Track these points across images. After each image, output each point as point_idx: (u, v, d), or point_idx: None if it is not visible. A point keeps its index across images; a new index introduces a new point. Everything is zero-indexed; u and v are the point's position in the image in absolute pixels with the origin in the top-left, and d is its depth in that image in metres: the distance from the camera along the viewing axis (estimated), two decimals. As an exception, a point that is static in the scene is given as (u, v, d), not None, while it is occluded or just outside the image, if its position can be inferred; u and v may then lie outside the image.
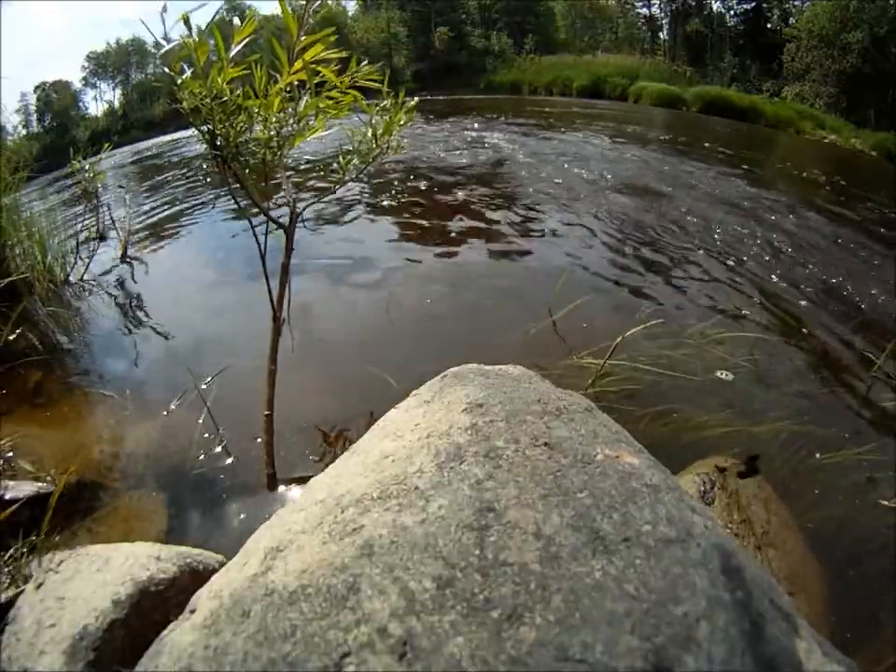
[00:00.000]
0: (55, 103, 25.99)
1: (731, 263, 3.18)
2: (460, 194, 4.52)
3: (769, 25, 19.26)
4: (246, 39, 1.05)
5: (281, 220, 1.37)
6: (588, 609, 0.55)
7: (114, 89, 27.08)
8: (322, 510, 0.73)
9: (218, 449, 1.62)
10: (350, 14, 26.04)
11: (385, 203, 4.40)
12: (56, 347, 2.32)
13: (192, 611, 0.67)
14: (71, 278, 3.07)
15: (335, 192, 2.11)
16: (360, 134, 1.39)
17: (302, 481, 1.47)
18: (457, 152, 6.44)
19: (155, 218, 4.64)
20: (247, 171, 1.28)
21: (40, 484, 1.30)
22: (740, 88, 16.86)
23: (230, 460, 1.58)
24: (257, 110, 1.17)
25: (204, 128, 1.16)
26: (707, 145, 7.94)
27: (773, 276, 3.04)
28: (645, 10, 23.36)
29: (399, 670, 0.52)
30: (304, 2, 1.05)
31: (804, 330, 2.42)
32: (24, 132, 24.99)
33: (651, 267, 3.07)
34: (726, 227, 3.89)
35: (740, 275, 3.01)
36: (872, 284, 3.06)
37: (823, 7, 14.80)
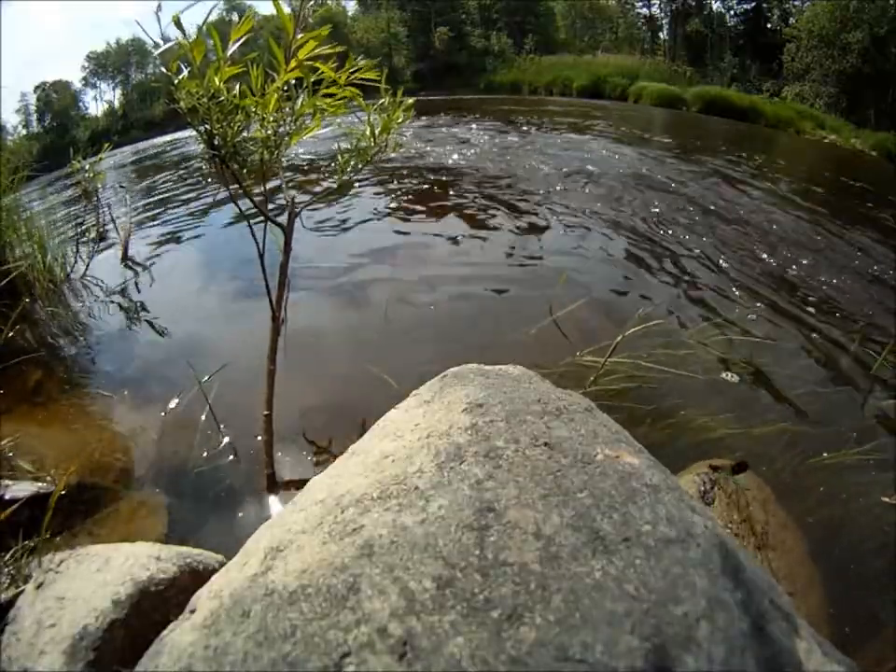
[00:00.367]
0: (55, 103, 26.00)
1: (731, 263, 3.18)
2: (461, 193, 4.52)
3: (769, 25, 19.27)
4: (243, 38, 1.05)
5: (279, 219, 1.37)
6: (588, 608, 0.55)
7: (114, 89, 27.11)
8: (322, 510, 0.73)
9: (218, 448, 1.62)
10: (350, 14, 26.06)
11: (384, 202, 4.40)
12: (56, 347, 2.32)
13: (192, 611, 0.67)
14: (71, 278, 3.07)
15: (335, 191, 2.12)
16: (359, 133, 1.39)
17: (302, 481, 1.47)
18: (456, 151, 6.45)
19: (155, 218, 4.65)
20: (245, 170, 1.28)
21: (40, 484, 1.30)
22: (740, 88, 16.86)
23: (230, 460, 1.58)
24: (254, 109, 1.17)
25: (202, 127, 1.16)
26: (707, 145, 7.94)
27: (773, 276, 3.04)
28: (645, 10, 23.38)
29: (398, 670, 0.51)
30: (300, 1, 1.04)
31: (804, 330, 2.42)
32: (24, 132, 25.04)
33: (651, 266, 3.06)
34: (726, 227, 3.89)
35: (740, 275, 3.01)
36: (872, 283, 3.06)
37: (823, 6, 14.80)
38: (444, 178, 5.15)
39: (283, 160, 1.32)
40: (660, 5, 22.60)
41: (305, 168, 5.94)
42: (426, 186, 4.89)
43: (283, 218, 1.39)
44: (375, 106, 1.35)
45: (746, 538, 1.28)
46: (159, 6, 1.01)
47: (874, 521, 1.43)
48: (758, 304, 2.65)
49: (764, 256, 3.36)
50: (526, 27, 23.02)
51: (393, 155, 1.46)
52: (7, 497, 1.21)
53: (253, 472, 1.53)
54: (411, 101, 1.38)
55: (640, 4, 23.34)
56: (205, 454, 1.60)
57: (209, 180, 5.77)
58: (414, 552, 0.62)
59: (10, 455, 1.50)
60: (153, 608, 0.82)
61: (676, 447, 1.63)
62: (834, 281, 3.04)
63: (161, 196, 5.68)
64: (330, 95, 1.20)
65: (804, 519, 1.41)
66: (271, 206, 3.32)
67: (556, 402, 0.93)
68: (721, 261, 3.19)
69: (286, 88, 1.16)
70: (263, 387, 1.46)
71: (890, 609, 1.21)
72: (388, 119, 1.35)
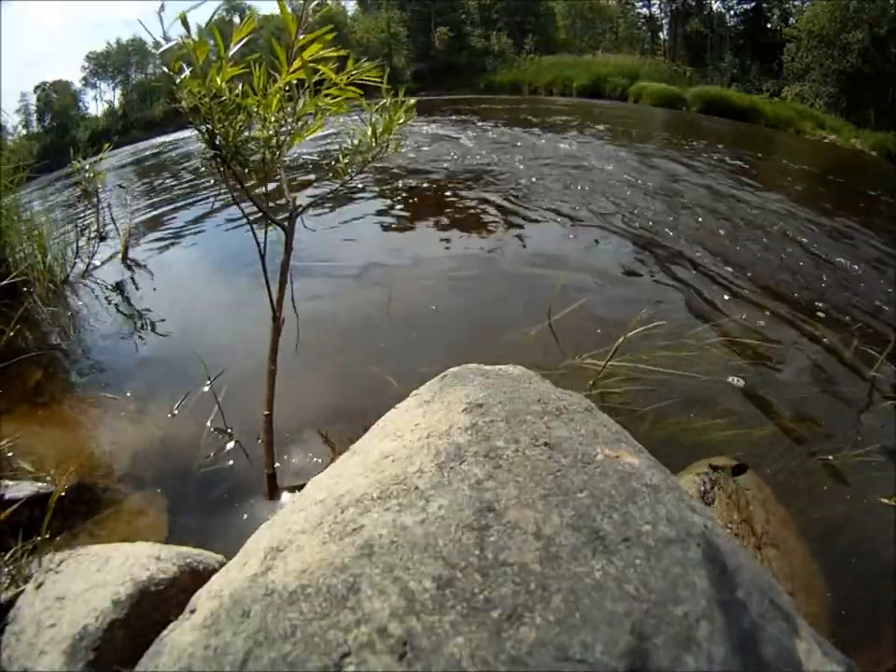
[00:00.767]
0: (55, 103, 26.01)
1: (731, 264, 3.18)
2: (461, 193, 4.52)
3: (769, 25, 19.27)
4: (245, 38, 1.05)
5: (280, 218, 1.37)
6: (588, 608, 0.55)
7: (114, 89, 27.14)
8: (322, 510, 0.73)
9: (218, 449, 1.62)
10: (350, 14, 26.06)
11: (384, 201, 4.40)
12: (56, 347, 2.32)
13: (192, 611, 0.67)
14: (71, 278, 3.07)
15: (335, 192, 2.12)
16: (360, 133, 1.39)
17: (303, 481, 1.47)
18: (456, 151, 6.45)
19: (155, 218, 4.65)
20: (247, 170, 1.28)
21: (40, 485, 1.30)
22: (740, 88, 16.86)
23: (230, 460, 1.58)
24: (256, 109, 1.17)
25: (203, 127, 1.16)
26: (707, 145, 7.94)
27: (773, 276, 3.04)
28: (645, 10, 23.39)
29: (398, 670, 0.51)
30: (303, 1, 1.04)
31: (804, 330, 2.42)
32: (24, 132, 25.05)
33: (652, 267, 3.06)
34: (726, 227, 3.89)
35: (741, 276, 3.01)
36: (872, 283, 3.06)
37: (823, 6, 14.80)
38: (445, 178, 5.15)
39: (284, 160, 1.32)
40: (660, 5, 22.63)
41: (306, 168, 5.94)
42: (426, 186, 4.90)
43: (283, 217, 1.39)
44: (377, 107, 1.35)
45: (746, 538, 1.28)
46: (162, 6, 1.01)
47: (874, 521, 1.43)
48: (758, 305, 2.65)
49: (765, 256, 3.36)
50: (526, 27, 23.03)
51: (394, 155, 1.46)
52: (7, 496, 1.21)
53: (253, 472, 1.53)
54: (412, 101, 1.38)
55: (640, 4, 23.38)
56: (205, 454, 1.60)
57: (212, 181, 5.78)
58: (414, 552, 0.62)
59: (10, 455, 1.50)
60: (153, 608, 0.82)
61: (676, 447, 1.62)
62: (834, 281, 3.04)
63: (161, 196, 5.68)
64: (332, 95, 1.20)
65: (804, 519, 1.41)
66: (271, 205, 3.32)
67: (556, 402, 0.93)
68: (721, 262, 3.19)
69: (287, 88, 1.15)
70: (264, 387, 1.46)
71: (890, 608, 1.20)
72: (390, 119, 1.34)
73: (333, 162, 1.47)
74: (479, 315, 2.45)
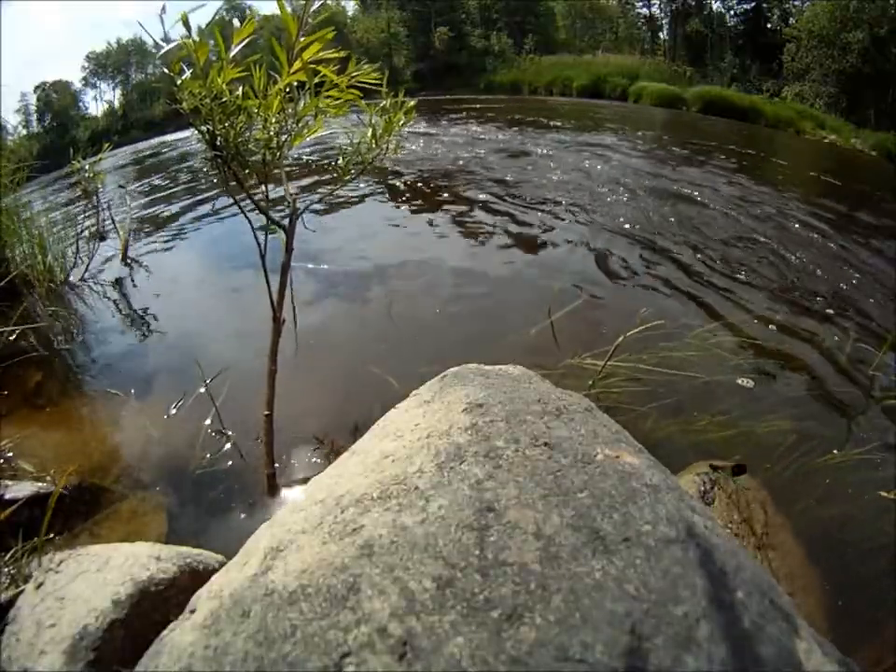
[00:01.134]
0: (55, 103, 26.02)
1: (731, 264, 3.18)
2: (462, 193, 4.53)
3: (769, 25, 19.27)
4: (246, 40, 1.05)
5: (280, 218, 1.37)
6: (588, 609, 0.55)
7: (114, 89, 27.15)
8: (322, 510, 0.73)
9: (219, 449, 1.62)
10: (350, 14, 26.06)
11: (386, 202, 4.40)
12: (56, 347, 2.32)
13: (192, 611, 0.67)
14: (71, 278, 3.07)
15: (335, 192, 2.12)
16: (360, 134, 1.39)
17: (303, 481, 1.47)
18: (457, 151, 6.45)
19: (155, 218, 4.65)
20: (247, 171, 1.28)
21: (40, 485, 1.30)
22: (740, 88, 16.86)
23: (230, 460, 1.58)
24: (256, 110, 1.17)
25: (204, 128, 1.16)
26: (707, 145, 7.94)
27: (773, 276, 3.04)
28: (645, 10, 23.40)
29: (398, 670, 0.52)
30: (304, 2, 1.04)
31: (803, 329, 2.42)
32: (24, 132, 25.07)
33: (652, 267, 3.06)
34: (726, 227, 3.89)
35: (741, 276, 3.01)
36: (871, 282, 3.06)
37: (823, 6, 14.80)
38: (445, 178, 5.15)
39: (284, 161, 1.32)
40: (660, 5, 22.63)
41: (307, 168, 5.94)
42: (427, 185, 4.90)
43: (283, 216, 1.39)
44: (377, 108, 1.35)
45: (746, 538, 1.28)
46: (163, 7, 1.02)
47: (874, 521, 1.43)
48: (758, 305, 2.65)
49: (764, 256, 3.36)
50: (526, 27, 23.03)
51: (395, 155, 1.46)
52: (7, 497, 1.21)
53: (253, 472, 1.53)
54: (412, 102, 1.38)
55: (640, 4, 23.38)
56: (205, 454, 1.60)
57: (212, 181, 5.78)
58: (414, 552, 0.62)
59: (10, 455, 1.50)
60: (153, 608, 0.82)
61: (676, 447, 1.63)
62: (834, 281, 3.04)
63: (161, 196, 5.68)
64: (332, 97, 1.20)
65: (804, 519, 1.41)
66: (272, 203, 3.32)
67: (556, 402, 0.93)
68: (721, 262, 3.19)
69: (288, 90, 1.16)
70: (264, 387, 1.46)
71: (890, 608, 1.21)
72: (389, 121, 1.35)
73: (334, 163, 1.47)
74: (480, 315, 2.45)
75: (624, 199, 4.49)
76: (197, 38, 1.02)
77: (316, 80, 1.14)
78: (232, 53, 1.05)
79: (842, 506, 1.47)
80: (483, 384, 0.99)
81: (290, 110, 1.21)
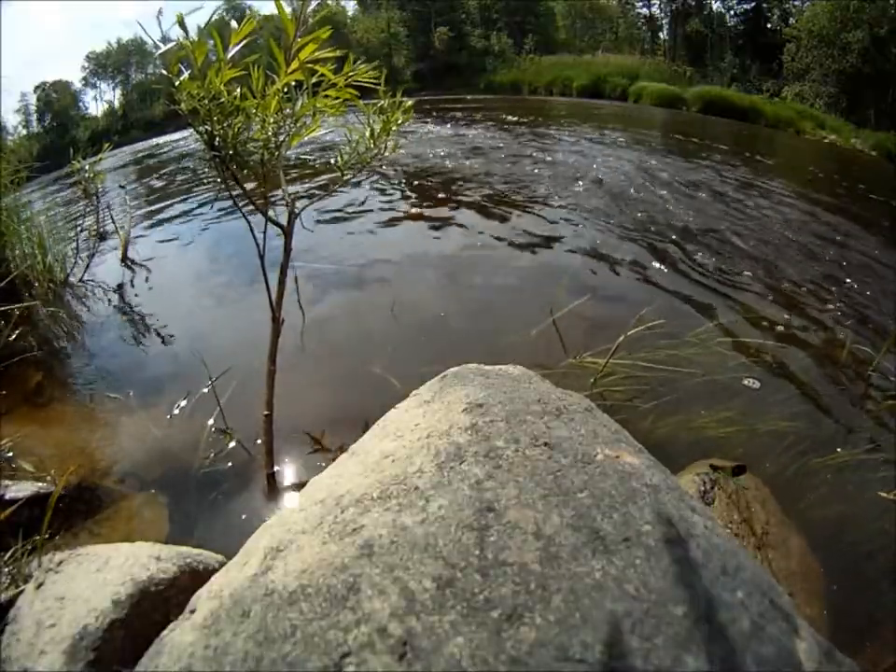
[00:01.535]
0: (55, 103, 26.04)
1: (731, 264, 3.18)
2: (462, 194, 4.53)
3: (769, 25, 19.29)
4: (245, 40, 1.05)
5: (278, 219, 1.37)
6: (588, 608, 0.55)
7: (114, 89, 27.17)
8: (322, 510, 0.73)
9: (218, 449, 1.62)
10: (350, 14, 26.07)
11: (387, 202, 4.40)
12: (56, 348, 2.32)
13: (192, 611, 0.67)
14: (71, 278, 3.07)
15: (334, 192, 2.12)
16: (358, 134, 1.39)
17: (303, 481, 1.47)
18: (457, 151, 6.45)
19: (155, 218, 4.65)
20: (245, 171, 1.28)
21: (40, 485, 1.30)
22: (740, 88, 16.88)
23: (230, 460, 1.58)
24: (254, 111, 1.17)
25: (203, 129, 1.16)
26: (707, 145, 7.94)
27: (772, 276, 3.04)
28: (645, 10, 23.42)
29: (398, 670, 0.51)
30: (301, 2, 1.04)
31: (803, 329, 2.42)
32: (24, 132, 25.08)
33: (652, 267, 3.06)
34: (725, 227, 3.89)
35: (741, 275, 3.01)
36: (870, 282, 3.07)
37: (823, 6, 14.81)
38: (445, 178, 5.15)
39: (283, 161, 1.32)
40: (660, 5, 22.65)
41: (307, 167, 5.94)
42: (427, 186, 4.89)
43: (283, 212, 1.39)
44: (375, 108, 1.35)
45: (746, 538, 1.28)
46: (160, 9, 1.02)
47: (874, 521, 1.43)
48: (757, 304, 2.65)
49: (764, 256, 3.36)
50: (526, 27, 23.04)
51: (396, 155, 1.46)
52: (7, 496, 1.21)
53: (253, 472, 1.53)
54: (410, 102, 1.38)
55: (640, 4, 23.40)
56: (205, 454, 1.60)
57: (212, 181, 5.78)
58: (414, 552, 0.62)
59: (11, 455, 1.50)
60: (153, 608, 0.82)
61: (676, 447, 1.62)
62: (833, 280, 3.04)
63: (160, 196, 5.68)
64: (330, 97, 1.20)
65: (804, 518, 1.41)
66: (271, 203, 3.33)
67: (556, 402, 0.93)
68: (720, 261, 3.19)
69: (286, 90, 1.15)
70: (264, 387, 1.46)
71: (890, 608, 1.20)
72: (387, 121, 1.34)
73: (332, 163, 1.47)
74: (481, 315, 2.45)
75: (624, 199, 4.49)
76: (195, 39, 1.02)
77: (314, 80, 1.14)
78: (230, 54, 1.05)
79: (842, 506, 1.47)
80: (483, 384, 0.99)
81: (288, 110, 1.21)
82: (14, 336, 2.22)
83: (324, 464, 1.51)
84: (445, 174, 5.35)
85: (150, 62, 26.52)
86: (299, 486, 1.47)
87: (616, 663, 0.51)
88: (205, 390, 1.85)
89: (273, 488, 1.48)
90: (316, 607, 0.58)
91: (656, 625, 0.54)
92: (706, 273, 3.01)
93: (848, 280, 3.07)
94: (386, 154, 1.42)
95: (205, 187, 5.69)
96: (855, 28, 13.97)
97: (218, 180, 1.27)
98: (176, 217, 4.60)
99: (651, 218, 3.98)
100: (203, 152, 1.22)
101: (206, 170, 6.46)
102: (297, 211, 1.38)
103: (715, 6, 20.85)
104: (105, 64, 27.02)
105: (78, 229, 3.64)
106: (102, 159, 3.23)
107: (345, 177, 1.45)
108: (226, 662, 0.56)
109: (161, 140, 13.88)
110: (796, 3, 18.23)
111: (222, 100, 1.11)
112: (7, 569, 0.93)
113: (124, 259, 3.43)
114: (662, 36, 22.94)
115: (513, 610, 0.55)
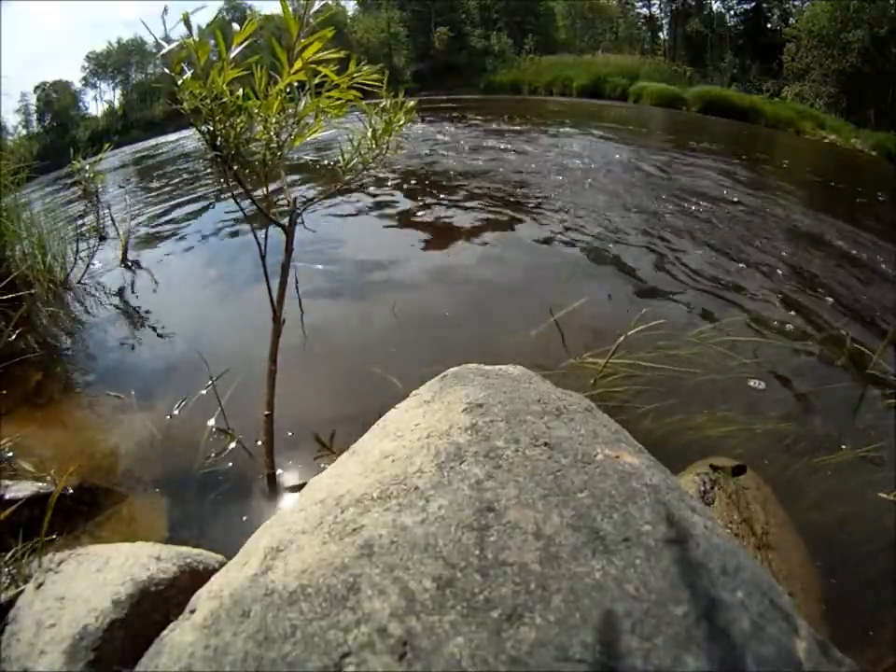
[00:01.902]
0: (55, 103, 26.03)
1: (731, 263, 3.18)
2: (462, 194, 4.53)
3: (769, 25, 19.29)
4: (247, 40, 1.05)
5: (279, 218, 1.37)
6: (588, 609, 0.55)
7: (114, 89, 27.16)
8: (322, 510, 0.73)
9: (218, 449, 1.62)
10: (350, 14, 26.06)
11: (385, 201, 4.40)
12: (56, 348, 2.32)
13: (192, 611, 0.67)
14: (71, 278, 3.07)
15: (335, 192, 2.12)
16: (360, 135, 1.39)
17: (303, 481, 1.47)
18: (457, 151, 6.45)
19: (155, 218, 4.65)
20: (247, 171, 1.28)
21: (40, 485, 1.30)
22: (740, 88, 16.88)
23: (230, 460, 1.58)
24: (256, 111, 1.17)
25: (205, 128, 1.16)
26: (707, 145, 7.94)
27: (773, 276, 3.04)
28: (645, 10, 23.42)
29: (398, 670, 0.52)
30: (305, 2, 1.04)
31: (802, 328, 2.42)
32: (24, 132, 25.08)
33: (652, 267, 3.06)
34: (726, 227, 3.89)
35: (741, 275, 3.01)
36: (869, 281, 3.07)
37: (823, 7, 14.81)
38: (445, 178, 5.15)
39: (285, 161, 1.32)
40: (660, 5, 22.66)
41: (307, 168, 5.94)
42: (428, 186, 4.89)
43: (284, 213, 1.39)
44: (377, 109, 1.35)
45: (746, 538, 1.28)
46: (165, 8, 1.02)
47: (873, 520, 1.43)
48: (757, 304, 2.65)
49: (764, 255, 3.36)
50: (526, 27, 23.04)
51: (397, 154, 1.46)
52: (7, 497, 1.21)
53: (253, 472, 1.53)
54: (412, 103, 1.38)
55: (640, 4, 23.40)
56: (206, 454, 1.60)
57: (212, 181, 5.78)
58: (414, 552, 0.62)
59: (11, 455, 1.50)
60: (153, 608, 0.82)
61: (676, 447, 1.62)
62: (832, 280, 3.04)
63: (161, 196, 5.68)
64: (332, 97, 1.20)
65: (804, 518, 1.41)
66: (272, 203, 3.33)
67: (556, 402, 0.93)
68: (720, 261, 3.20)
69: (288, 90, 1.15)
70: (264, 387, 1.45)
71: (890, 609, 1.20)
72: (389, 121, 1.34)
73: (334, 163, 1.47)
74: (481, 315, 2.45)
75: (625, 199, 4.49)
76: (198, 38, 1.02)
77: (317, 81, 1.14)
78: (233, 54, 1.05)
79: (842, 506, 1.47)
80: (483, 384, 0.99)
81: (291, 110, 1.20)
82: (14, 336, 2.22)
83: (324, 464, 1.51)
84: (445, 173, 5.35)
85: (150, 62, 26.50)
86: (299, 486, 1.47)
87: (616, 663, 0.51)
88: (206, 390, 1.85)
89: (274, 488, 1.48)
90: (316, 607, 0.58)
91: (656, 625, 0.54)
92: (705, 273, 3.01)
93: (848, 280, 3.07)
94: (388, 155, 1.42)
95: (206, 187, 5.69)
96: (855, 28, 13.98)
97: (220, 180, 1.27)
98: (177, 216, 4.60)
99: (651, 219, 3.98)
100: (204, 152, 1.22)
101: (208, 170, 6.46)
102: (299, 211, 1.38)
103: (715, 6, 20.88)
104: (105, 64, 27.01)
105: (78, 229, 3.64)
106: (102, 159, 3.23)
107: (347, 178, 1.45)
108: (226, 662, 0.56)
109: (161, 140, 13.89)
110: (796, 3, 18.25)
111: (224, 100, 1.11)
112: (7, 569, 0.93)
113: (124, 258, 3.43)
114: (662, 36, 22.96)
115: (513, 610, 0.55)
